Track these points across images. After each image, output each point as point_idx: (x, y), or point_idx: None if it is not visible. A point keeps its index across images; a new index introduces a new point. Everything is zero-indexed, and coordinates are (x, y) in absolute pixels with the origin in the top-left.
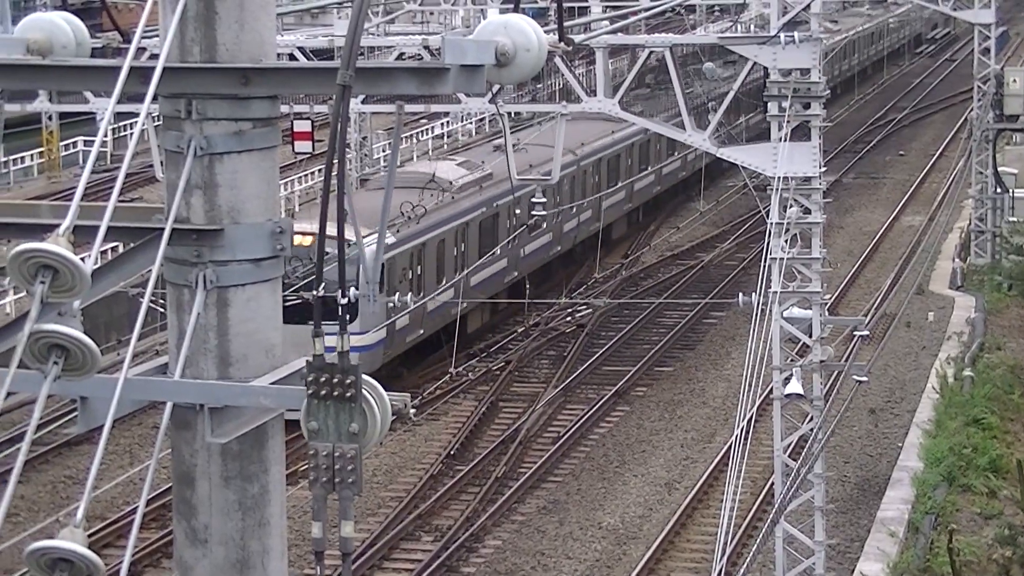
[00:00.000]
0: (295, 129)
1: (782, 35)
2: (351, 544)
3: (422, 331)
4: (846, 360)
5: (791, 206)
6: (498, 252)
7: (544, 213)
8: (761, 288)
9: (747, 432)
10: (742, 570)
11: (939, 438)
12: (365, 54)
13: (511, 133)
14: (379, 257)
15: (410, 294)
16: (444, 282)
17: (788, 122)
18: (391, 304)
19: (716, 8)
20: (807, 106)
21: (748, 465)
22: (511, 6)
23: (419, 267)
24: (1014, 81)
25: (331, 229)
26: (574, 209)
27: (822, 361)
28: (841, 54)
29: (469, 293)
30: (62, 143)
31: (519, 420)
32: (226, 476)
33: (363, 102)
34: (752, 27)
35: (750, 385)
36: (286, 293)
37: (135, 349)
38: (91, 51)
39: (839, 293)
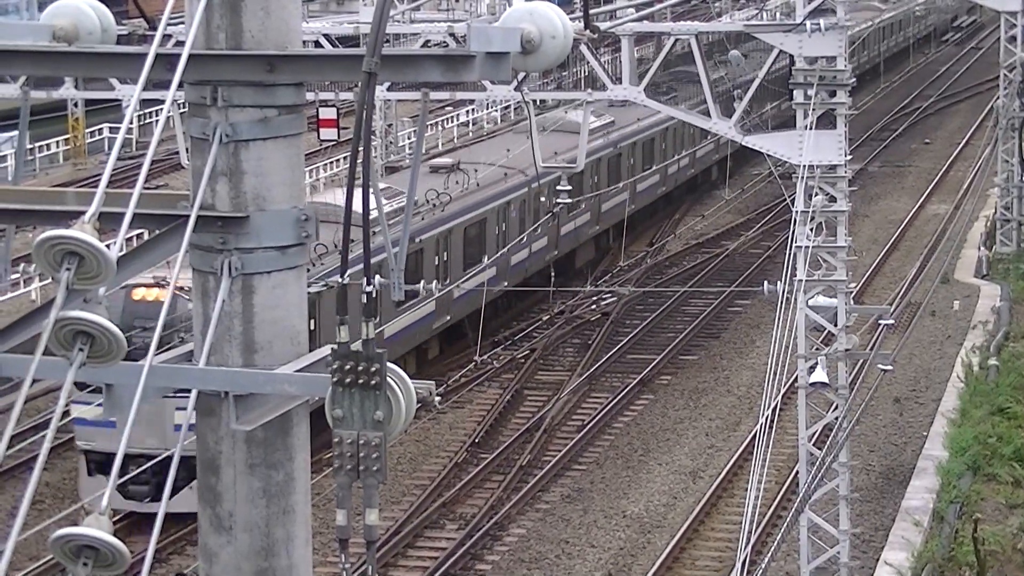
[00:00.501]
0: (320, 116)
1: (808, 23)
2: (375, 532)
3: None
4: (871, 349)
5: (816, 194)
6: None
7: (569, 200)
8: (786, 276)
9: (772, 421)
10: (767, 559)
11: (964, 427)
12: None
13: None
14: (403, 245)
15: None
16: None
17: (814, 110)
18: None
19: None
20: (833, 94)
21: (773, 454)
22: None
23: (312, 321)
24: None
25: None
26: (524, 238)
27: (847, 350)
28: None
29: (389, 344)
30: (88, 130)
31: (543, 408)
32: (251, 464)
33: (388, 89)
34: (777, 15)
35: (775, 374)
36: None
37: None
38: (117, 38)
39: (864, 281)
